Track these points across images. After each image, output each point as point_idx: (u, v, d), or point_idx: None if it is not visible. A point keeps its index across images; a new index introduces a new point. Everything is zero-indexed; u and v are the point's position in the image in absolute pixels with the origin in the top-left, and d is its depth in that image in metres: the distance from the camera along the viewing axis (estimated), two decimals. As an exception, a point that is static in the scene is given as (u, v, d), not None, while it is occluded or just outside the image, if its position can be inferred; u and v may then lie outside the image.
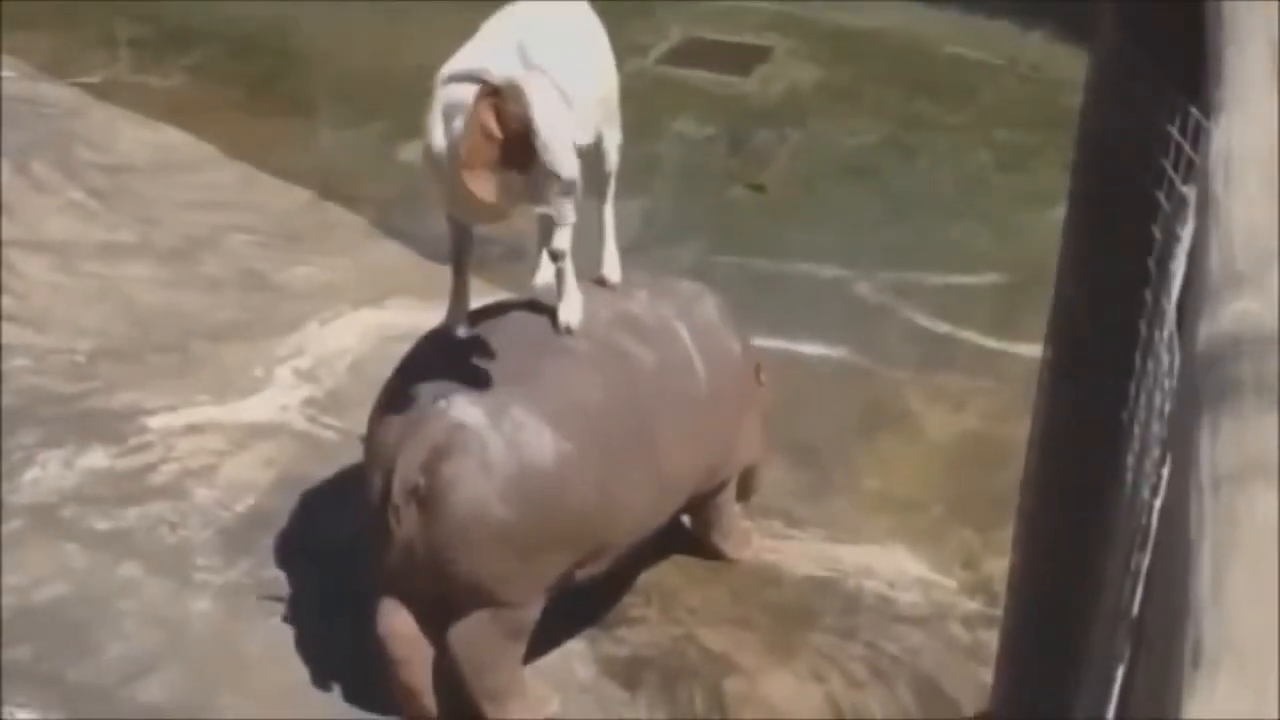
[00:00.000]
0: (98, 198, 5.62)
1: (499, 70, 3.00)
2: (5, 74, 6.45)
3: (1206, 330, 0.89)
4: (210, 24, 7.13)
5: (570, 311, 3.33)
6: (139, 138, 6.10)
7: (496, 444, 3.12)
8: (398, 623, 3.32)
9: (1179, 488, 0.85)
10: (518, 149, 2.91)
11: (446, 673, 3.35)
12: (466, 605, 3.27)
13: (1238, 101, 1.07)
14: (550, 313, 3.37)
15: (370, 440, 3.35)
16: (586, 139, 3.27)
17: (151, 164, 5.91)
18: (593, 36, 3.51)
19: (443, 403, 3.13)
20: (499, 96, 2.93)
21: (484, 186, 2.94)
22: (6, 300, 4.95)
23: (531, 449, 3.15)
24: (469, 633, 3.28)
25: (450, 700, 3.39)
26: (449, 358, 3.29)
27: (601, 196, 3.64)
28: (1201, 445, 0.81)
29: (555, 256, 3.27)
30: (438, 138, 3.12)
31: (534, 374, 3.24)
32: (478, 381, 3.19)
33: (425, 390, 3.22)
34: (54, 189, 5.64)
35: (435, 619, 3.31)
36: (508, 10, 3.35)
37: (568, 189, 2.99)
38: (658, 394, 3.42)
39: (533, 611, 3.34)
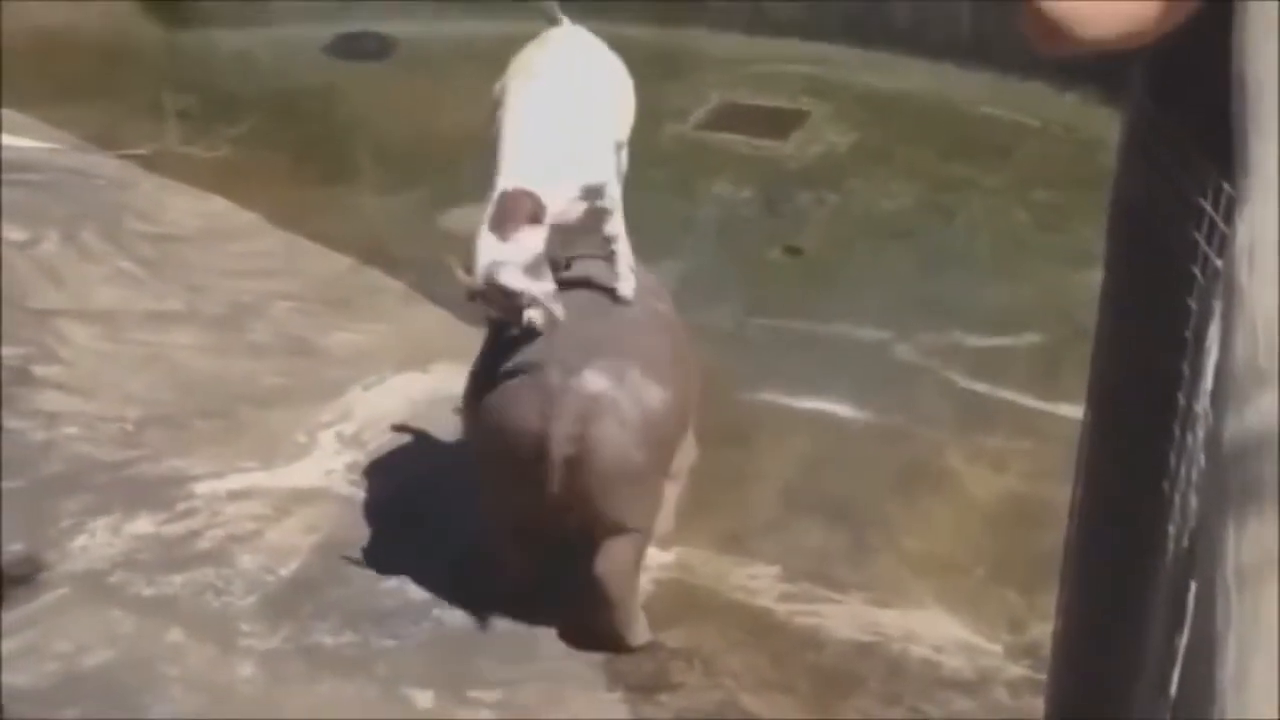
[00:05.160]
0: (146, 266, 5.72)
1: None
2: (55, 146, 6.59)
3: (1232, 425, 0.90)
4: (255, 94, 7.27)
5: (627, 286, 3.92)
6: (186, 207, 6.21)
7: (626, 403, 3.69)
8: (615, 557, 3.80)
9: (1207, 580, 0.86)
10: None
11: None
12: (607, 537, 3.78)
13: (1263, 191, 1.09)
14: (594, 286, 3.92)
15: (492, 420, 3.78)
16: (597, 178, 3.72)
17: (198, 233, 6.01)
18: (602, 65, 3.93)
19: (574, 379, 3.67)
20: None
21: None
22: (56, 369, 5.04)
23: (647, 402, 3.73)
24: (617, 559, 3.78)
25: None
26: (536, 339, 3.76)
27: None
28: (1227, 540, 0.83)
29: (610, 240, 3.85)
30: None
31: (627, 341, 3.82)
32: (585, 354, 3.72)
33: (546, 368, 3.70)
34: (102, 258, 5.74)
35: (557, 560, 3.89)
36: (525, 68, 3.82)
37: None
38: (678, 336, 4.05)
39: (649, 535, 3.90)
